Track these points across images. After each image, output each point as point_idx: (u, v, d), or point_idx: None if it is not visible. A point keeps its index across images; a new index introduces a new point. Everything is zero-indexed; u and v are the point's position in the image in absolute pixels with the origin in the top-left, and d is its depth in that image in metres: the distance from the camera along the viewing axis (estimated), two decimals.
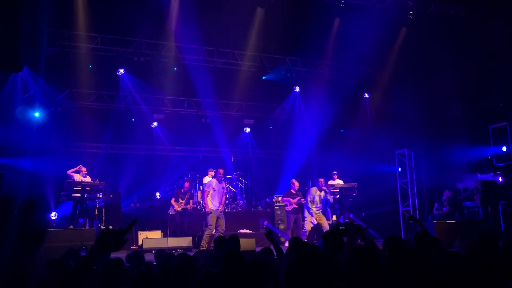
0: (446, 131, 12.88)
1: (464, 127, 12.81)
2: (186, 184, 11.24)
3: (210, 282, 2.44)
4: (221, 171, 9.67)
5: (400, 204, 12.84)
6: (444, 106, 12.96)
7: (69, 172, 9.98)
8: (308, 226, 10.14)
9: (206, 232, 9.13)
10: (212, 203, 9.28)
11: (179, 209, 10.74)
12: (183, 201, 10.86)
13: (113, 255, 5.05)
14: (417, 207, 12.66)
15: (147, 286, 2.58)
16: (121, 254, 5.69)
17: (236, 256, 3.01)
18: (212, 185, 9.44)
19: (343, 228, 3.80)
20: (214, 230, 9.12)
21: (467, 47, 12.12)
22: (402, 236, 11.42)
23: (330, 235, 3.73)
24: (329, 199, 10.40)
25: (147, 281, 2.58)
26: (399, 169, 13.14)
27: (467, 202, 11.10)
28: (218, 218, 9.24)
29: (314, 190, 10.40)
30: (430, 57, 12.70)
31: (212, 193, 9.32)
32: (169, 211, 10.93)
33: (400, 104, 12.93)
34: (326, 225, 10.15)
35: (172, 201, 10.93)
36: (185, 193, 11.00)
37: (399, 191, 12.97)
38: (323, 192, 10.32)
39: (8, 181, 7.92)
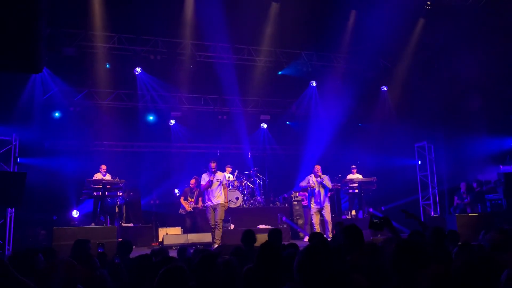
0: (467, 123, 12.62)
1: (485, 118, 12.54)
2: (192, 181, 11.17)
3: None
4: (212, 164, 9.38)
5: (420, 198, 12.68)
6: (464, 97, 12.69)
7: None
8: (315, 219, 9.86)
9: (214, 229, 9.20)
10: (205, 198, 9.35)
11: (189, 209, 10.80)
12: (193, 200, 10.90)
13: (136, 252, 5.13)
14: (437, 200, 12.48)
15: (177, 282, 2.59)
16: (142, 252, 5.77)
17: (271, 249, 3.01)
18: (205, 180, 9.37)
19: (377, 221, 3.69)
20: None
21: (486, 36, 11.83)
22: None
23: (351, 230, 3.69)
24: (326, 185, 9.88)
25: (176, 277, 2.60)
26: (419, 162, 12.96)
27: (490, 195, 10.90)
28: (214, 210, 9.22)
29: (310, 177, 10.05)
30: (449, 47, 12.45)
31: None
32: (180, 211, 10.97)
33: (419, 96, 12.74)
34: (328, 218, 9.84)
35: (181, 200, 10.98)
36: (192, 191, 11.03)
37: (419, 185, 12.80)
38: (318, 178, 9.90)
39: (30, 180, 8.10)
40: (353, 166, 11.98)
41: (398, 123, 13.38)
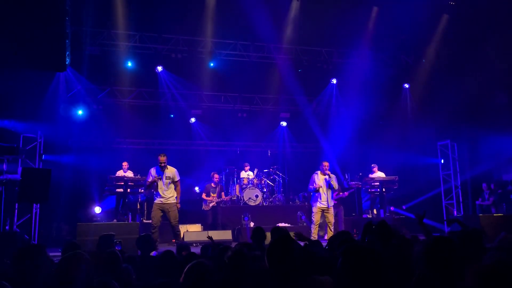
0: (491, 121, 12.32)
1: (510, 116, 12.23)
2: (216, 176, 11.05)
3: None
4: (160, 158, 8.17)
5: (443, 197, 12.47)
6: (489, 95, 12.41)
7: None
8: (315, 218, 9.13)
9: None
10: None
11: (213, 203, 10.81)
12: (215, 195, 10.92)
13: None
14: (461, 200, 12.24)
15: (201, 278, 2.62)
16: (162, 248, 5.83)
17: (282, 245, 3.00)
18: (151, 174, 8.24)
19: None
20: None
21: None
22: (446, 229, 11.13)
23: (383, 228, 3.69)
24: (333, 185, 9.19)
25: (200, 273, 2.63)
26: (442, 161, 12.74)
27: None
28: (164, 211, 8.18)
29: (318, 175, 9.27)
30: (474, 43, 12.18)
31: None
32: (203, 207, 10.99)
33: (442, 94, 12.51)
34: (331, 220, 9.21)
35: (203, 196, 11.02)
36: (215, 186, 11.06)
37: (441, 184, 12.58)
38: (326, 176, 9.19)
39: (54, 176, 8.27)
40: (373, 165, 11.85)
41: (420, 121, 13.18)
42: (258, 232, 5.00)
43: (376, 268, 2.06)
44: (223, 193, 11.17)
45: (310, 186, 9.27)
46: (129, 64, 12.28)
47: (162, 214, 8.14)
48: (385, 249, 3.36)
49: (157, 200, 8.21)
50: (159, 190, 8.15)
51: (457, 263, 2.32)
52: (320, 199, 9.08)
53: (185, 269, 2.64)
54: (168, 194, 8.18)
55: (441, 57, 12.91)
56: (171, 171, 8.26)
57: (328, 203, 9.12)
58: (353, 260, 2.07)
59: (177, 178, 8.29)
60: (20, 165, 9.26)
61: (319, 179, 9.18)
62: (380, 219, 10.68)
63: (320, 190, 9.11)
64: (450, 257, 2.31)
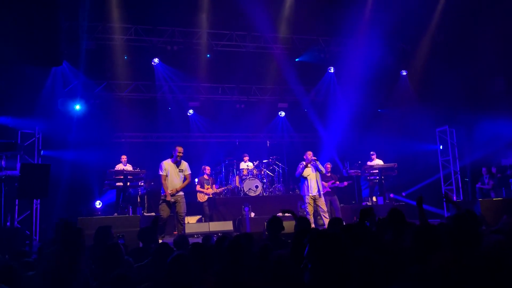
0: (489, 106, 12.30)
1: (508, 101, 12.22)
2: (208, 168, 11.28)
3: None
4: (179, 149, 8.26)
5: (442, 183, 12.52)
6: (486, 81, 12.39)
7: None
8: (309, 208, 9.07)
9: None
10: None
11: (211, 195, 10.90)
12: (209, 186, 11.01)
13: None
14: (460, 185, 12.29)
15: (181, 270, 2.68)
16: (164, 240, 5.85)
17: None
18: (163, 167, 8.21)
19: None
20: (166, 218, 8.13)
21: (509, 18, 11.48)
22: (445, 214, 11.19)
23: (396, 215, 3.71)
24: (320, 169, 9.14)
25: (180, 265, 2.70)
26: (441, 147, 12.77)
27: None
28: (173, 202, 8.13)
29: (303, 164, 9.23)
30: (471, 29, 12.13)
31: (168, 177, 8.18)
32: (199, 199, 11.03)
33: (440, 80, 12.48)
34: (324, 207, 9.14)
35: (198, 187, 11.06)
36: (208, 179, 11.16)
37: (441, 170, 12.63)
38: (312, 162, 9.14)
39: (54, 172, 8.27)
40: (372, 152, 11.88)
41: (418, 108, 13.15)
42: (274, 222, 4.73)
43: (340, 252, 2.07)
44: (214, 185, 11.29)
45: (297, 172, 9.28)
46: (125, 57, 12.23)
47: (170, 207, 8.16)
48: (398, 238, 3.37)
49: (167, 192, 8.15)
50: (173, 183, 8.16)
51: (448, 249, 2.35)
52: (311, 187, 9.06)
53: (168, 262, 2.70)
54: (180, 188, 8.25)
55: (438, 43, 12.86)
56: (184, 164, 8.34)
57: (319, 190, 9.08)
58: (319, 245, 2.08)
59: (188, 171, 8.37)
60: (19, 161, 9.27)
61: (308, 167, 9.18)
62: (379, 206, 10.78)
63: (309, 178, 9.10)
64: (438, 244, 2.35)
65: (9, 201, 8.69)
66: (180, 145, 8.39)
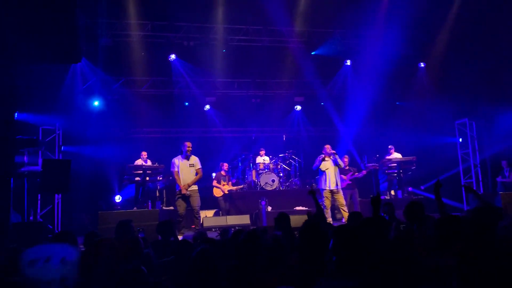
0: (510, 98, 12.06)
1: None
2: (226, 165, 11.40)
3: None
4: (188, 144, 8.58)
5: (462, 177, 12.34)
6: (507, 72, 12.11)
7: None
8: (326, 202, 9.06)
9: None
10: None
11: (226, 191, 10.98)
12: (225, 183, 11.08)
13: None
14: (480, 178, 12.09)
15: (207, 262, 2.71)
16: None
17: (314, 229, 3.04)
18: (174, 164, 8.55)
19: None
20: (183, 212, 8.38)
21: None
22: (465, 208, 11.06)
23: (414, 206, 3.71)
24: (339, 163, 9.17)
25: (206, 258, 2.73)
26: (460, 140, 12.57)
27: None
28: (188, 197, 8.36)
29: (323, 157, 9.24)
30: (491, 20, 11.86)
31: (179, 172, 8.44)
32: (215, 194, 11.12)
33: (459, 72, 12.26)
34: (342, 201, 9.16)
35: (214, 183, 11.15)
36: (225, 175, 11.23)
37: (460, 163, 12.44)
38: (331, 155, 9.17)
39: (74, 167, 8.44)
40: (390, 146, 11.76)
41: (437, 100, 12.95)
42: (281, 219, 4.85)
43: (363, 245, 2.11)
44: (230, 182, 11.39)
45: (314, 165, 9.34)
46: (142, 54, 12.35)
47: (186, 201, 8.35)
48: (418, 230, 3.36)
49: (180, 188, 8.39)
50: (183, 177, 8.37)
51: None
52: (329, 180, 9.07)
53: (193, 255, 2.74)
54: (192, 182, 8.42)
55: (458, 34, 12.61)
56: (194, 158, 8.57)
57: (337, 184, 9.09)
58: (343, 239, 2.12)
59: (199, 165, 8.59)
60: (41, 157, 9.45)
61: (326, 161, 9.21)
62: (397, 200, 10.69)
63: (327, 171, 9.11)
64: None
65: (32, 196, 8.90)
66: (188, 141, 8.63)
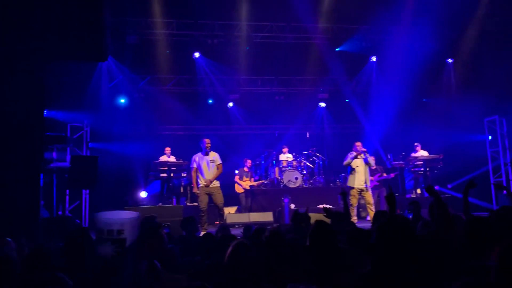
0: None
1: None
2: (249, 161, 11.52)
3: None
4: (207, 140, 8.72)
5: (491, 175, 12.01)
6: None
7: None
8: (353, 200, 8.98)
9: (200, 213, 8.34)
10: (198, 180, 8.53)
11: (248, 187, 11.05)
12: (247, 179, 11.13)
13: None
14: (510, 177, 11.75)
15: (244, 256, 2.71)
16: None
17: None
18: (194, 160, 8.67)
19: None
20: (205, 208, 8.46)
21: None
22: (494, 207, 10.76)
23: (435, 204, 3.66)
24: (369, 161, 9.09)
25: (243, 252, 2.73)
26: (490, 137, 12.24)
27: None
28: (209, 194, 8.51)
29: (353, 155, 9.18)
30: None
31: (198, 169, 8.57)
32: (236, 190, 11.17)
33: (488, 68, 11.91)
34: (370, 199, 9.10)
35: (236, 178, 11.19)
36: (248, 171, 11.30)
37: (489, 161, 12.11)
38: (362, 154, 9.09)
39: (101, 163, 8.62)
40: (416, 144, 11.54)
41: (465, 97, 12.62)
42: (297, 216, 4.87)
43: (408, 241, 2.08)
44: (252, 179, 11.46)
45: (345, 162, 9.25)
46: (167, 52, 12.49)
47: (208, 197, 8.44)
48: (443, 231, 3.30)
49: (202, 184, 8.47)
50: (204, 174, 8.47)
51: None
52: (359, 179, 9.01)
53: (229, 249, 2.73)
54: (213, 178, 8.49)
55: (486, 30, 12.25)
56: (213, 154, 8.67)
57: (366, 183, 9.01)
58: (387, 234, 2.09)
59: (219, 161, 8.67)
60: (69, 153, 9.70)
61: (357, 158, 9.12)
62: (424, 198, 10.49)
63: (357, 169, 9.02)
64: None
65: (60, 191, 9.14)
66: (210, 138, 8.89)
